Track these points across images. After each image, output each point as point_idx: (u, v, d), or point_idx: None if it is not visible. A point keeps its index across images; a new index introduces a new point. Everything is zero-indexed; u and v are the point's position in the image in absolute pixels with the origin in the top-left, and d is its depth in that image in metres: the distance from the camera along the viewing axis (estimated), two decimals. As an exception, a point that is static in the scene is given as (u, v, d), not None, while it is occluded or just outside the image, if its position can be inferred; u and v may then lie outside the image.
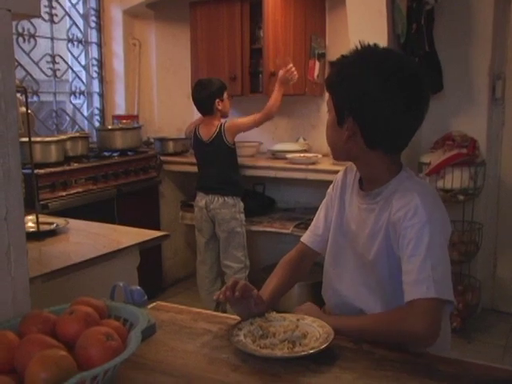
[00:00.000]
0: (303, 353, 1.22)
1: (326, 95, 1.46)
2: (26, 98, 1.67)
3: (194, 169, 3.98)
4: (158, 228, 4.18)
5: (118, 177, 3.80)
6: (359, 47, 1.40)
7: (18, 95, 1.80)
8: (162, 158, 4.21)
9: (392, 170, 1.43)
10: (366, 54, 1.39)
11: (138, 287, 1.38)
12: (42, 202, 3.20)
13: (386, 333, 1.31)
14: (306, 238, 1.65)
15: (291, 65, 3.49)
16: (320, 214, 1.64)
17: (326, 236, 1.60)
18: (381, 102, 1.34)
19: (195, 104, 3.61)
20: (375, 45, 1.42)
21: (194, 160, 3.93)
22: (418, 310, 1.25)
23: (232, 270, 3.61)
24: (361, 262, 1.46)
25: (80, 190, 3.49)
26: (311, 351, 1.22)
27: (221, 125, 3.54)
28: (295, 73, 3.51)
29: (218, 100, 3.51)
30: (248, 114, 3.78)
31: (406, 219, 1.33)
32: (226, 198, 3.54)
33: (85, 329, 1.09)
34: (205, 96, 3.51)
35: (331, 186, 1.64)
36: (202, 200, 3.59)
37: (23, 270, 1.21)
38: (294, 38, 3.87)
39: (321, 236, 1.62)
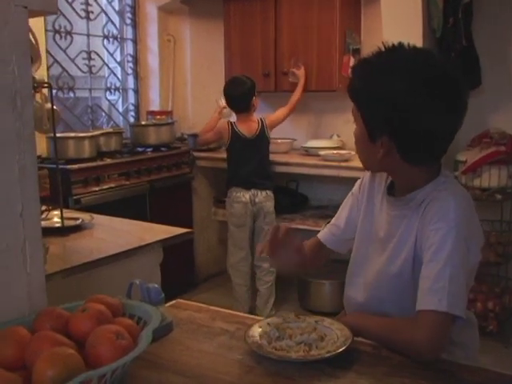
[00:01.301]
0: (318, 356, 1.19)
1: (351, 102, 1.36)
2: (51, 93, 1.68)
3: (226, 165, 3.98)
4: (190, 224, 4.19)
5: (151, 172, 3.82)
6: (383, 48, 1.30)
7: (45, 91, 1.82)
8: (195, 153, 4.22)
9: (429, 175, 1.35)
10: (393, 58, 1.29)
11: (156, 285, 1.37)
12: (74, 197, 3.24)
13: (389, 340, 1.26)
14: (323, 235, 1.61)
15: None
16: (341, 214, 1.58)
17: (344, 237, 1.55)
18: (418, 116, 1.25)
19: (231, 101, 3.63)
20: (401, 45, 1.30)
21: (226, 156, 3.93)
22: (425, 322, 1.20)
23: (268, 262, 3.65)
24: (385, 273, 1.39)
25: (113, 185, 3.52)
26: (326, 355, 1.19)
27: (262, 120, 3.64)
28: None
29: (253, 97, 3.61)
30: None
31: (433, 221, 1.27)
32: (267, 192, 3.65)
33: (96, 327, 1.08)
34: (243, 93, 3.57)
35: (357, 187, 1.56)
36: (244, 195, 3.60)
37: (39, 266, 1.21)
38: (324, 33, 3.82)
39: (338, 236, 1.57)
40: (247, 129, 3.62)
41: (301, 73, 3.87)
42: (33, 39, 1.74)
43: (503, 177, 3.25)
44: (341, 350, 1.19)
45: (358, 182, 1.57)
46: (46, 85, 1.73)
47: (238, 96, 3.58)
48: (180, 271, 4.12)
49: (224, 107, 3.85)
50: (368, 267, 1.45)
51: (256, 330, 1.31)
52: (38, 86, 1.70)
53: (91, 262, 1.64)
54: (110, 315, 1.14)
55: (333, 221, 1.61)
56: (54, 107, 1.75)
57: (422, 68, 1.26)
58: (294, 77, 3.91)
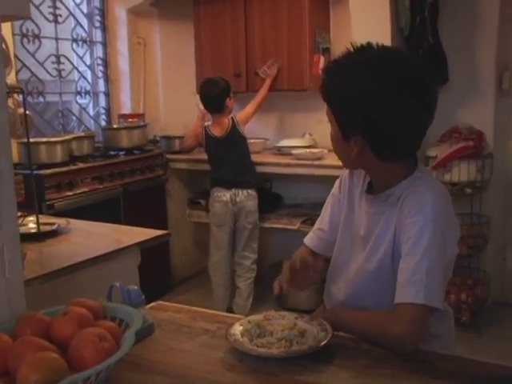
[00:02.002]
0: (300, 352, 1.21)
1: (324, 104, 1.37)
2: (24, 98, 1.67)
3: (201, 166, 4.00)
4: (165, 226, 4.17)
5: (124, 176, 3.80)
6: (352, 49, 1.31)
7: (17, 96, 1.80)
8: (168, 156, 4.21)
9: (406, 171, 1.37)
10: (362, 58, 1.30)
11: (135, 287, 1.37)
12: (48, 203, 3.21)
13: (368, 333, 1.28)
14: (311, 241, 1.60)
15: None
16: (324, 217, 1.58)
17: (331, 239, 1.55)
18: (390, 113, 1.26)
19: (205, 102, 3.65)
20: (369, 45, 1.32)
21: (200, 157, 3.94)
22: (403, 314, 1.23)
23: (250, 260, 3.71)
24: (364, 269, 1.40)
25: (86, 189, 3.49)
26: (308, 350, 1.21)
27: (232, 118, 3.66)
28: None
29: (228, 98, 3.62)
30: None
31: (411, 215, 1.29)
32: (249, 191, 3.66)
33: (79, 330, 1.08)
34: (216, 93, 3.59)
35: (337, 187, 1.56)
36: (225, 195, 3.62)
37: (18, 271, 1.21)
38: (294, 33, 3.85)
39: (325, 240, 1.57)
40: (219, 129, 3.64)
41: (271, 73, 3.91)
42: (3, 44, 1.72)
43: (472, 171, 3.33)
44: (322, 344, 1.21)
45: (337, 181, 1.57)
46: (18, 90, 1.71)
47: (212, 97, 3.60)
48: (156, 274, 4.10)
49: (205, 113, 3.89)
50: (350, 265, 1.46)
51: (237, 328, 1.32)
52: (10, 91, 1.68)
53: (69, 267, 1.63)
54: (92, 318, 1.15)
55: (317, 225, 1.60)
56: (27, 112, 1.74)
57: (391, 67, 1.28)
58: (264, 74, 3.94)
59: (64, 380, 0.94)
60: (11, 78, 1.81)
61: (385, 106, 1.26)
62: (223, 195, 3.63)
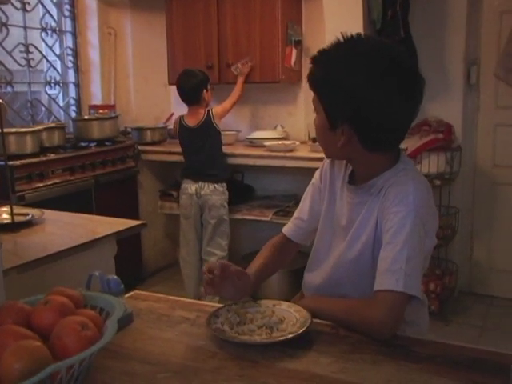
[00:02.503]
0: (282, 338, 1.23)
1: (306, 87, 1.40)
2: (-3, 87, 1.64)
3: (173, 158, 3.99)
4: (136, 218, 4.15)
5: (96, 167, 3.77)
6: (342, 39, 1.31)
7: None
8: (140, 147, 4.18)
9: (389, 162, 1.38)
10: (352, 50, 1.30)
11: (115, 276, 1.37)
12: (18, 194, 3.16)
13: (347, 320, 1.30)
14: (288, 230, 1.61)
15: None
16: (304, 206, 1.59)
17: (310, 228, 1.57)
18: (378, 104, 1.27)
19: (182, 93, 3.62)
20: (359, 36, 1.33)
21: (172, 149, 3.93)
22: (382, 301, 1.25)
23: (215, 257, 3.64)
24: (344, 257, 1.42)
25: (57, 180, 3.45)
26: (289, 336, 1.22)
27: (208, 110, 3.64)
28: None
29: (204, 90, 3.61)
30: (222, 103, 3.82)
31: (393, 204, 1.31)
32: (216, 185, 3.63)
33: (60, 319, 1.08)
34: (193, 85, 3.57)
35: (317, 177, 1.57)
36: (191, 187, 3.62)
37: (-4, 262, 1.19)
38: (267, 26, 3.86)
39: (304, 229, 1.59)
40: (192, 120, 3.64)
41: (244, 71, 3.91)
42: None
43: (442, 163, 3.40)
44: (302, 330, 1.23)
45: (318, 171, 1.58)
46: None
47: (189, 88, 3.58)
48: (128, 266, 4.07)
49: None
50: (330, 255, 1.48)
51: (217, 317, 1.33)
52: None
53: (46, 257, 1.61)
54: (73, 307, 1.14)
55: (296, 214, 1.62)
56: (1, 101, 1.71)
57: (380, 60, 1.29)
58: (237, 71, 3.94)
59: (47, 368, 0.93)
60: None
61: (373, 97, 1.27)
62: (189, 187, 3.63)
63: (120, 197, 4.01)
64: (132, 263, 4.19)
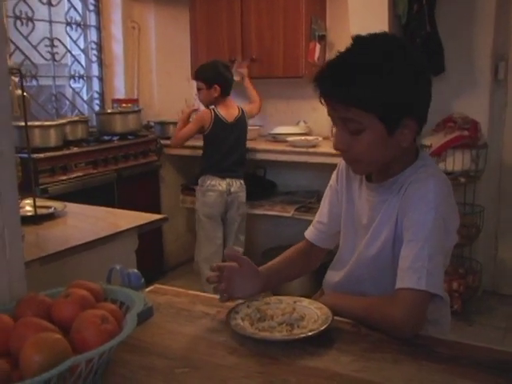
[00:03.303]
0: (302, 335, 1.21)
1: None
2: (22, 80, 1.65)
3: (195, 152, 3.98)
4: (158, 212, 4.17)
5: (118, 161, 3.79)
6: (351, 45, 1.29)
7: (14, 78, 1.78)
8: (162, 141, 4.19)
9: (410, 158, 1.36)
10: (375, 48, 1.27)
11: (135, 270, 1.37)
12: (41, 187, 3.19)
13: (368, 318, 1.28)
14: (310, 234, 1.59)
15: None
16: (323, 209, 1.57)
17: (331, 232, 1.55)
18: (423, 97, 1.30)
19: (225, 84, 3.54)
20: (360, 36, 1.30)
21: (194, 143, 3.91)
22: (404, 299, 1.22)
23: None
24: (364, 255, 1.41)
25: (80, 174, 3.48)
26: (310, 333, 1.21)
27: (241, 108, 3.64)
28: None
29: None
30: (246, 97, 3.80)
31: (414, 202, 1.29)
32: (241, 182, 3.62)
33: (80, 312, 1.08)
34: (232, 76, 3.60)
35: (334, 179, 1.55)
36: (221, 184, 3.53)
37: (18, 254, 1.20)
38: (290, 20, 3.83)
39: (325, 233, 1.56)
40: (228, 114, 3.57)
41: (245, 71, 3.91)
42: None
43: (467, 160, 3.34)
44: (323, 328, 1.22)
45: (334, 173, 1.55)
46: (15, 71, 1.69)
47: (231, 79, 3.58)
48: (149, 259, 4.10)
49: (195, 109, 3.85)
50: (354, 254, 1.46)
51: (237, 313, 1.32)
52: (7, 72, 1.66)
53: (69, 249, 1.62)
54: (93, 300, 1.14)
55: (316, 218, 1.59)
56: (25, 94, 1.72)
57: (394, 45, 1.30)
58: (239, 76, 3.90)
59: (67, 361, 0.93)
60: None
61: (413, 77, 1.28)
62: (219, 184, 3.53)
63: (142, 191, 4.02)
64: (153, 257, 4.21)
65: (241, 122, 3.61)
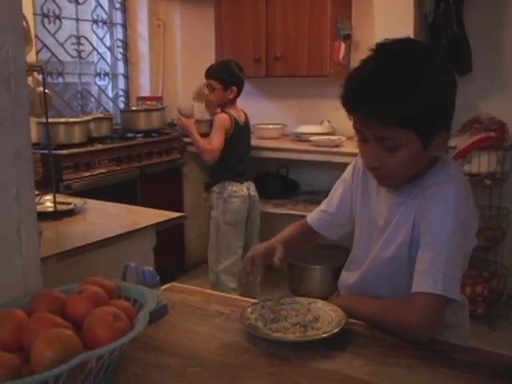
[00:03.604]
0: (315, 337, 1.20)
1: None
2: (44, 77, 1.67)
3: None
4: (181, 210, 4.19)
5: (141, 158, 3.82)
6: (374, 54, 1.24)
7: (37, 75, 1.80)
8: (186, 139, 4.20)
9: (430, 162, 1.33)
10: (408, 59, 1.21)
11: (151, 268, 1.37)
12: (65, 183, 3.23)
13: (382, 321, 1.27)
14: (312, 219, 1.58)
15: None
16: (332, 200, 1.55)
17: (335, 223, 1.55)
18: (453, 97, 1.27)
19: (241, 85, 3.43)
20: (380, 44, 1.26)
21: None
22: (419, 303, 1.21)
23: None
24: (380, 257, 1.39)
25: (103, 170, 3.51)
26: (323, 335, 1.20)
27: (242, 109, 3.55)
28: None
29: None
30: (270, 96, 3.78)
31: (433, 205, 1.27)
32: (253, 183, 3.54)
33: (93, 308, 1.08)
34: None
35: (349, 175, 1.52)
36: (242, 189, 3.42)
37: (34, 249, 1.21)
38: (316, 19, 3.80)
39: (328, 222, 1.56)
40: (239, 116, 3.48)
41: (205, 91, 3.57)
42: (24, 22, 1.72)
43: (492, 162, 3.28)
44: (336, 330, 1.20)
45: (350, 169, 1.53)
46: (37, 68, 1.71)
47: (244, 81, 3.47)
48: (170, 257, 4.13)
49: (198, 120, 3.68)
50: (368, 255, 1.44)
51: (251, 312, 1.32)
52: (29, 69, 1.68)
53: (85, 246, 1.63)
54: (106, 297, 1.14)
55: (323, 206, 1.58)
56: (46, 91, 1.74)
57: (421, 49, 1.27)
58: (201, 99, 3.73)
59: (77, 357, 0.94)
60: (31, 57, 1.81)
61: (453, 98, 1.27)
62: (241, 189, 3.41)
63: (165, 188, 4.05)
64: (175, 255, 4.23)
65: (248, 124, 3.54)
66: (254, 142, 3.94)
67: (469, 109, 3.46)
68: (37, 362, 0.95)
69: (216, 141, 3.35)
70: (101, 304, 1.11)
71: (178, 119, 3.59)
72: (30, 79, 1.76)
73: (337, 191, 1.55)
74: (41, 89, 1.76)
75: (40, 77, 1.80)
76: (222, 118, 3.39)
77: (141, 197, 3.76)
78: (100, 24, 4.31)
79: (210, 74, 3.44)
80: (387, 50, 1.25)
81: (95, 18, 4.26)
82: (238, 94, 3.44)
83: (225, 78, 3.36)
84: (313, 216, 1.60)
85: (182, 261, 4.34)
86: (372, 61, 1.25)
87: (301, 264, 3.84)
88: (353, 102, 1.24)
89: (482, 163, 3.27)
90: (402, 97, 1.19)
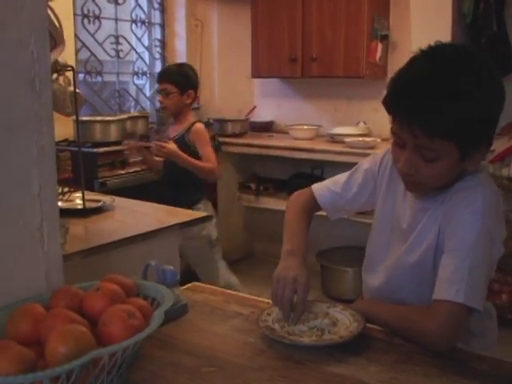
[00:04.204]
0: (330, 341, 1.19)
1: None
2: (74, 77, 1.70)
3: (252, 150, 4.01)
4: (215, 209, 4.21)
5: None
6: (423, 57, 1.21)
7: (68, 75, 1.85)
8: (221, 139, 4.21)
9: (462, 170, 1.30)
10: (459, 67, 1.17)
11: (171, 267, 1.38)
12: (100, 180, 3.29)
13: (401, 328, 1.25)
14: (324, 200, 1.54)
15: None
16: (349, 187, 1.50)
17: (345, 208, 1.55)
18: (500, 112, 1.24)
19: (197, 90, 3.21)
20: (432, 47, 1.22)
21: (251, 141, 3.92)
22: (440, 312, 1.18)
23: None
24: (404, 262, 1.36)
25: (138, 168, 3.56)
26: (339, 340, 1.19)
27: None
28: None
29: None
30: (306, 96, 3.74)
31: (460, 211, 1.24)
32: None
33: (109, 306, 1.10)
34: None
35: (375, 166, 1.48)
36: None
37: (56, 246, 1.23)
38: (352, 19, 3.76)
39: (339, 206, 1.54)
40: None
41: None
42: (56, 23, 1.76)
43: (532, 167, 3.19)
44: (353, 335, 1.19)
45: (377, 161, 1.49)
46: (69, 68, 1.75)
47: None
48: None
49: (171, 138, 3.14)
50: (389, 255, 1.42)
51: (269, 314, 1.31)
52: (61, 69, 1.72)
53: (110, 244, 1.66)
54: (123, 295, 1.16)
55: (336, 188, 1.53)
56: (78, 91, 1.77)
57: (492, 78, 1.22)
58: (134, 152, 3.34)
59: (90, 353, 0.95)
60: (64, 57, 1.85)
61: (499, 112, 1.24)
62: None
63: (199, 187, 4.06)
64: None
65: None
66: (288, 142, 3.95)
67: (509, 111, 3.35)
68: (50, 357, 0.97)
69: (212, 156, 3.14)
70: (118, 301, 1.12)
71: (155, 147, 3.03)
72: (61, 79, 1.81)
73: (356, 178, 1.52)
74: (72, 88, 1.80)
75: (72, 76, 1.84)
76: (202, 130, 3.17)
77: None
78: (139, 24, 4.37)
79: (165, 77, 3.12)
80: (439, 54, 1.20)
81: (134, 18, 4.33)
82: (195, 98, 3.26)
83: (181, 81, 3.07)
84: (324, 195, 1.55)
85: (214, 260, 4.34)
86: (421, 64, 1.20)
87: (333, 266, 3.82)
88: (398, 107, 1.21)
89: (522, 167, 3.18)
90: (452, 110, 1.14)
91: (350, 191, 1.51)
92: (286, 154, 3.92)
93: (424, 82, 1.17)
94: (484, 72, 1.19)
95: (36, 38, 1.15)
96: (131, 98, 4.41)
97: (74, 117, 1.90)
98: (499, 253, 1.30)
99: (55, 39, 1.75)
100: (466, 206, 1.24)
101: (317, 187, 1.58)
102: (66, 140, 3.38)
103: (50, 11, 1.76)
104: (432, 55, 1.21)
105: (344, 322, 1.28)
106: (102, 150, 3.32)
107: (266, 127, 4.46)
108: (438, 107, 1.14)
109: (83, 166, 2.03)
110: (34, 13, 1.14)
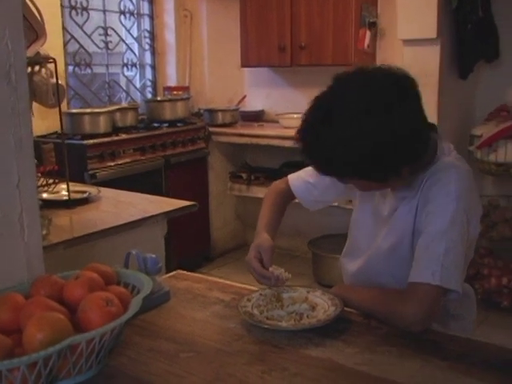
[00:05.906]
0: (308, 325, 1.21)
1: None
2: (56, 68, 1.71)
3: (243, 140, 4.02)
4: (206, 199, 4.24)
5: (166, 147, 3.85)
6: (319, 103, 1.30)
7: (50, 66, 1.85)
8: (211, 129, 4.23)
9: (431, 157, 1.31)
10: (341, 108, 1.23)
11: (153, 255, 1.40)
12: (90, 172, 3.29)
13: (377, 311, 1.27)
14: (298, 190, 1.57)
15: None
16: (324, 178, 1.46)
17: (319, 199, 1.58)
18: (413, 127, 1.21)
19: None
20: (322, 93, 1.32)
21: (242, 131, 3.92)
22: (416, 294, 1.20)
23: None
24: (382, 247, 1.39)
25: (128, 160, 3.56)
26: (316, 324, 1.21)
27: None
28: None
29: None
30: (295, 85, 3.74)
31: (434, 193, 1.26)
32: None
33: (88, 293, 1.12)
34: None
35: None
36: None
37: (36, 236, 1.25)
38: (340, 6, 3.75)
39: (314, 196, 1.57)
40: None
41: None
42: (38, 15, 1.77)
43: (519, 151, 3.20)
44: (330, 318, 1.21)
45: None
46: (50, 60, 1.76)
47: None
48: (196, 246, 4.18)
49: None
50: (373, 243, 1.44)
51: (249, 300, 1.33)
52: (42, 61, 1.73)
53: (94, 234, 1.67)
54: (103, 283, 1.18)
55: (310, 178, 1.55)
56: (60, 82, 1.78)
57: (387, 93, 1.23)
58: None
59: (66, 340, 0.97)
60: (58, 49, 1.85)
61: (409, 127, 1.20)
62: None
63: (190, 177, 4.08)
64: (201, 243, 4.28)
65: None
66: (278, 131, 3.95)
67: (495, 97, 3.38)
68: (28, 344, 0.99)
69: None
70: (96, 289, 1.14)
71: None
72: (43, 71, 1.81)
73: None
74: (54, 80, 1.81)
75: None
76: None
77: (166, 186, 3.81)
78: (127, 15, 4.36)
79: None
80: (330, 98, 1.30)
81: (122, 9, 4.31)
82: None
83: None
84: (298, 185, 1.58)
85: (207, 250, 4.38)
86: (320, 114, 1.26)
87: (325, 254, 3.84)
88: (308, 161, 1.29)
89: (509, 152, 3.19)
90: (347, 159, 1.18)
91: (323, 181, 1.50)
92: (277, 142, 3.92)
93: (316, 138, 1.22)
94: (360, 108, 1.20)
95: (10, 30, 1.16)
96: (121, 90, 4.40)
97: (56, 108, 1.89)
98: (476, 231, 1.32)
99: (36, 31, 1.75)
100: (440, 188, 1.26)
101: (293, 177, 1.61)
102: (55, 133, 3.38)
103: (30, 3, 1.76)
104: (324, 98, 1.33)
105: (323, 306, 1.30)
106: (91, 141, 3.32)
107: (257, 116, 4.47)
108: (332, 161, 1.21)
109: (71, 158, 2.03)
110: (8, 5, 1.15)
